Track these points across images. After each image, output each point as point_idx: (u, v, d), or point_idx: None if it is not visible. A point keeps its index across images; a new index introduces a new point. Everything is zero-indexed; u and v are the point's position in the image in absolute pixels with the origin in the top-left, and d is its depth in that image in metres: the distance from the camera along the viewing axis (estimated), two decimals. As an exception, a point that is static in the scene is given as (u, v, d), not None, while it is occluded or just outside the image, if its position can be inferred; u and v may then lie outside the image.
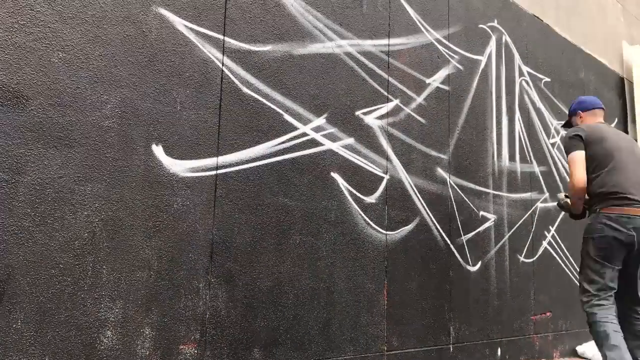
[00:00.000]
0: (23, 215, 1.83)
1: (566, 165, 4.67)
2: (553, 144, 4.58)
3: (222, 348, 2.29)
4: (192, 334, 2.20)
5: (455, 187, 3.55)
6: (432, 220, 3.34)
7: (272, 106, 2.59)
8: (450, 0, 3.68)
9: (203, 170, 2.31)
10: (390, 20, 3.24)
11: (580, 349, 4.42)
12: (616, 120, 5.56)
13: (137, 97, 2.14)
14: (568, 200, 3.05)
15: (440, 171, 3.45)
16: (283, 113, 2.63)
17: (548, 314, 4.24)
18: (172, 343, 2.14)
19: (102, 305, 1.98)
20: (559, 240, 4.48)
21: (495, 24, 4.09)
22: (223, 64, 2.42)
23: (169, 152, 2.21)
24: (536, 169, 4.33)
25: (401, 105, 3.24)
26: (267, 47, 2.61)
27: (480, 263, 3.65)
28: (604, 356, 2.67)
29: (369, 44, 3.09)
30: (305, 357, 2.58)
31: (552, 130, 4.59)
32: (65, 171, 1.93)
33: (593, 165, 2.85)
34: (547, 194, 4.40)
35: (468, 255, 3.57)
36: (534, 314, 4.09)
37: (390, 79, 3.19)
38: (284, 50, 2.67)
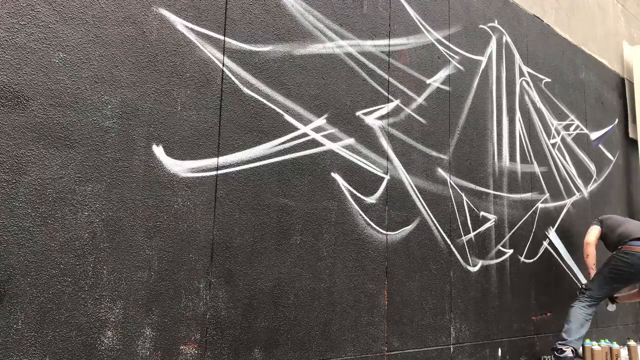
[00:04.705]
0: (23, 216, 1.83)
1: (566, 165, 4.67)
2: (554, 145, 4.58)
3: (223, 348, 2.29)
4: (192, 335, 2.20)
5: (456, 187, 3.55)
6: (432, 221, 3.34)
7: (273, 106, 2.59)
8: (451, 1, 3.68)
9: (203, 170, 2.31)
10: (391, 20, 3.24)
11: (580, 349, 4.41)
12: (617, 120, 5.56)
13: (138, 98, 2.14)
14: None
15: (440, 171, 3.45)
16: (283, 113, 2.63)
17: (548, 314, 4.24)
18: (172, 343, 2.14)
19: (103, 306, 1.98)
20: (560, 241, 4.48)
21: (495, 24, 4.09)
22: (223, 65, 2.42)
23: (169, 152, 2.22)
24: (537, 169, 4.33)
25: (402, 106, 3.24)
26: (268, 48, 2.61)
27: (480, 263, 3.65)
28: None
29: (369, 45, 3.09)
30: (305, 358, 2.58)
31: (553, 131, 4.58)
32: (65, 171, 1.93)
33: None
34: (547, 195, 4.39)
35: (468, 256, 3.57)
36: (534, 314, 4.09)
37: (391, 80, 3.19)
38: (284, 51, 2.67)
